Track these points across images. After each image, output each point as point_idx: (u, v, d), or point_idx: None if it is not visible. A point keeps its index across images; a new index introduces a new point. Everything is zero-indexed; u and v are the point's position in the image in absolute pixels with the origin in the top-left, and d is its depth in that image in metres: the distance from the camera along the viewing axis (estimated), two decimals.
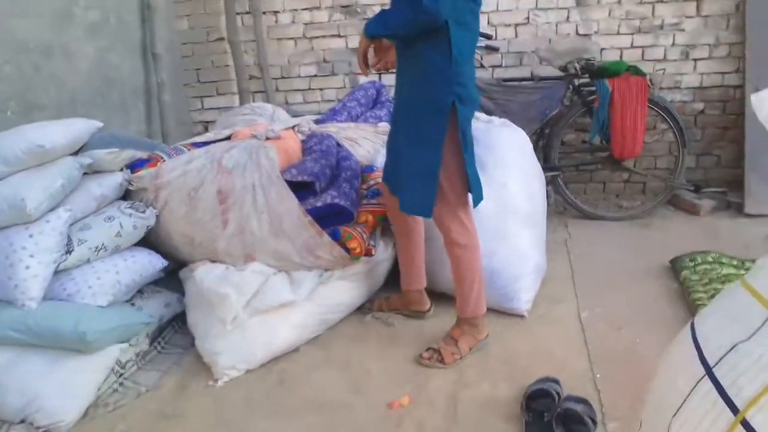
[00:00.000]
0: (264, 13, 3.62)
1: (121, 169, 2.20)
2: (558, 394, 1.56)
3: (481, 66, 3.33)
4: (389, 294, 2.29)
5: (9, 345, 1.76)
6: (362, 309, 2.26)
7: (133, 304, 2.04)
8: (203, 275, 1.96)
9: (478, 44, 3.30)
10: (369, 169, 2.43)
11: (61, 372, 1.73)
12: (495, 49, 3.25)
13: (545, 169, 3.08)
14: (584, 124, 3.31)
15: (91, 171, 2.11)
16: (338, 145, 2.46)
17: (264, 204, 2.04)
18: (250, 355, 1.90)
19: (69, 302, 1.82)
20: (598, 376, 1.73)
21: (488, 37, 3.21)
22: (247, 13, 3.64)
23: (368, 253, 2.12)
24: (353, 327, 2.16)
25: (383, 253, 2.32)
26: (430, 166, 1.71)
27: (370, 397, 1.73)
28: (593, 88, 3.01)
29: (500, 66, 3.47)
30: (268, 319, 1.92)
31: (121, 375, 1.90)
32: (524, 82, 3.22)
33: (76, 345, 1.73)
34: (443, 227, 1.86)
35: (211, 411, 1.73)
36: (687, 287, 2.17)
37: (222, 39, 3.67)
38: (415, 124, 1.73)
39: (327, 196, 2.13)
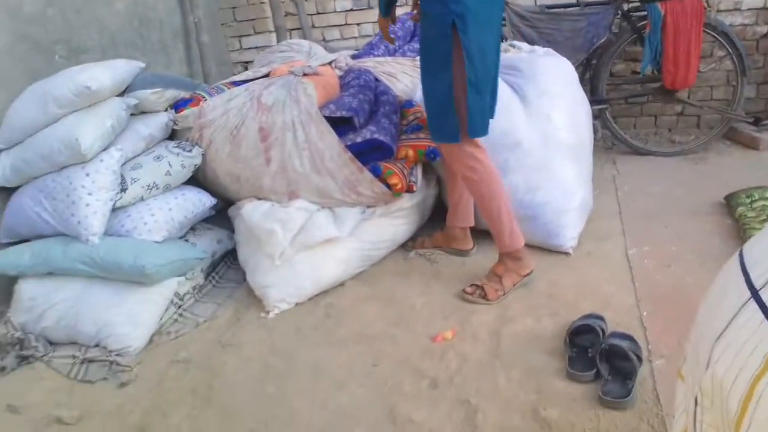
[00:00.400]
0: None
1: (166, 110, 2.24)
2: (603, 330, 1.56)
3: None
4: (432, 231, 2.31)
5: (79, 276, 1.89)
6: (406, 246, 2.29)
7: (186, 240, 2.13)
8: (251, 212, 2.01)
9: None
10: (408, 104, 2.39)
11: (127, 302, 1.85)
12: None
13: (592, 102, 2.96)
14: (634, 53, 3.14)
15: (138, 112, 2.16)
16: (376, 80, 2.42)
17: (304, 140, 2.05)
18: (298, 288, 1.97)
19: (128, 238, 1.91)
20: (644, 313, 1.71)
21: None
22: None
23: (410, 189, 2.12)
24: (397, 263, 2.20)
25: (425, 189, 2.31)
26: (442, 92, 1.69)
27: (415, 330, 1.78)
28: (644, 13, 2.81)
29: None
30: (314, 255, 1.97)
31: (180, 306, 2.01)
32: (569, 9, 3.04)
33: (137, 277, 1.83)
34: (452, 161, 1.87)
35: (265, 341, 1.82)
36: (742, 224, 2.09)
37: None
38: (426, 50, 1.73)
39: (366, 131, 2.11)
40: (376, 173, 2.05)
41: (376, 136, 2.09)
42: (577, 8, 3.02)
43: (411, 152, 2.17)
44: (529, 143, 2.16)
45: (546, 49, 2.47)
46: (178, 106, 2.25)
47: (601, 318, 1.64)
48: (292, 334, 1.84)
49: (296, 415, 1.49)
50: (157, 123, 2.16)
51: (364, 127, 2.15)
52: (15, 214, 1.98)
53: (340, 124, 2.12)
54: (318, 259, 1.98)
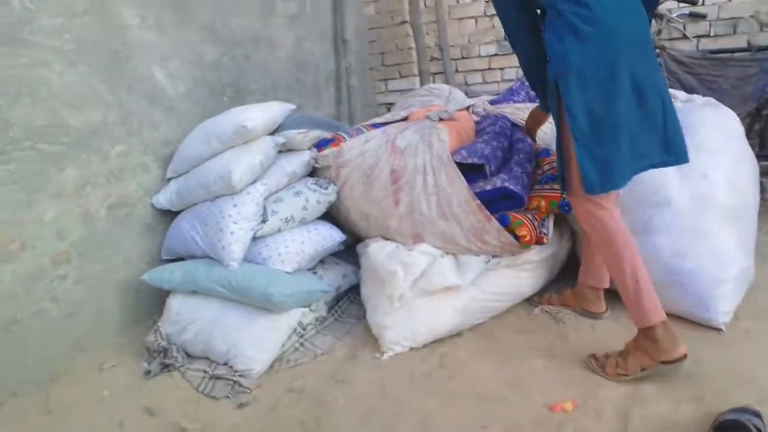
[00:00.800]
0: None
1: (309, 148, 2.40)
2: (758, 430, 1.33)
3: (684, 36, 2.91)
4: (561, 288, 2.17)
5: (217, 297, 2.07)
6: (531, 301, 2.18)
7: (315, 273, 2.24)
8: (376, 251, 2.06)
9: (680, 12, 2.91)
10: (545, 153, 2.31)
11: (256, 326, 1.98)
12: (701, 16, 2.82)
13: (762, 157, 2.61)
14: None
15: (284, 149, 2.34)
16: (513, 125, 2.37)
17: (433, 185, 2.06)
18: (414, 333, 1.96)
19: (262, 266, 2.06)
20: None
21: (692, 2, 2.79)
22: None
23: (539, 242, 2.02)
24: (519, 319, 2.10)
25: (557, 243, 2.19)
26: (558, 145, 1.70)
27: (530, 395, 1.67)
28: None
29: (708, 35, 3.01)
30: (433, 301, 1.95)
31: (302, 336, 2.11)
32: (738, 54, 2.74)
33: (265, 304, 1.96)
34: (576, 214, 1.77)
35: (376, 382, 1.83)
36: None
37: (405, 22, 3.77)
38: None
39: (497, 179, 2.06)
40: (505, 223, 1.99)
41: (506, 184, 2.04)
42: (747, 53, 2.72)
43: (543, 203, 2.08)
44: (679, 203, 1.96)
45: (707, 98, 2.25)
46: (320, 145, 2.41)
47: (758, 414, 1.39)
48: (404, 379, 1.83)
49: None
50: (300, 161, 2.33)
51: (495, 174, 2.11)
52: (175, 235, 2.25)
53: (471, 171, 2.11)
54: (436, 305, 1.96)
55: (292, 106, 2.42)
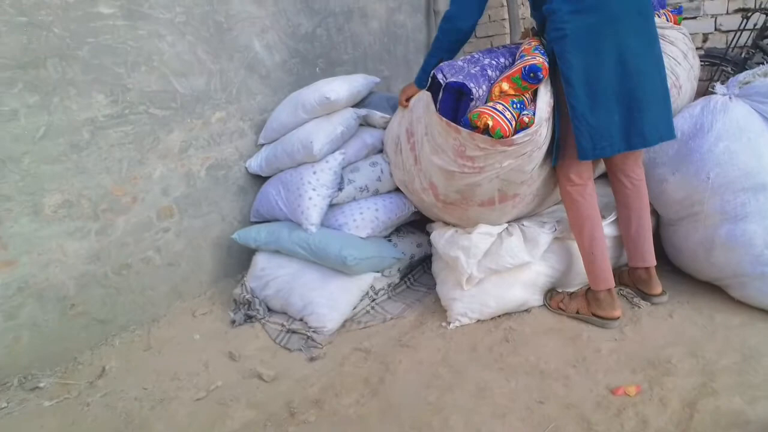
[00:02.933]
0: None
1: None
2: None
3: None
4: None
5: (297, 257, 2.21)
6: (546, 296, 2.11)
7: (390, 240, 2.32)
8: (436, 238, 2.07)
9: None
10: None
11: (330, 287, 2.10)
12: None
13: None
14: None
15: (366, 124, 2.41)
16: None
17: (425, 126, 1.88)
18: (482, 305, 1.98)
19: (338, 231, 2.17)
20: None
21: None
22: None
23: (523, 126, 1.64)
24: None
25: None
26: (557, 116, 1.77)
27: (594, 376, 1.64)
28: None
29: None
30: (502, 276, 1.96)
31: (374, 300, 2.21)
32: None
33: (339, 266, 2.07)
34: (558, 184, 1.89)
35: (440, 350, 1.88)
36: None
37: None
38: None
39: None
40: (467, 124, 1.68)
41: (451, 80, 1.71)
42: None
43: (506, 85, 1.69)
44: None
45: None
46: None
47: None
48: (466, 350, 1.87)
49: (449, 430, 1.52)
50: (381, 136, 2.39)
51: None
52: (262, 198, 2.42)
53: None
54: (505, 280, 1.96)
55: (377, 80, 2.48)
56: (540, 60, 1.67)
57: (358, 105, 2.43)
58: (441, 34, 1.95)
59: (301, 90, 2.43)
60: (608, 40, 1.65)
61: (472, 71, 1.77)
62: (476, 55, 1.90)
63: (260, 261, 2.28)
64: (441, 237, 2.06)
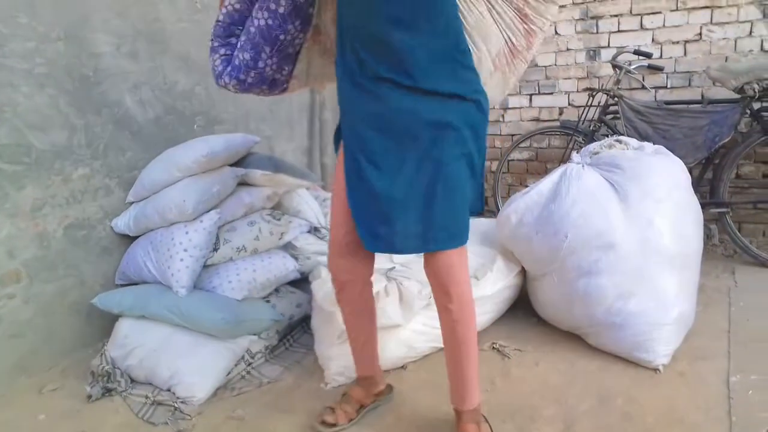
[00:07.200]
0: None
1: None
2: None
3: (643, 87, 3.06)
4: (514, 325, 2.19)
5: (165, 323, 2.06)
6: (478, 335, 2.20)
7: (268, 301, 2.25)
8: (317, 288, 2.06)
9: (639, 64, 3.06)
10: None
11: (201, 353, 1.97)
12: (658, 69, 2.97)
13: (712, 204, 2.72)
14: (766, 154, 2.84)
15: (245, 183, 2.38)
16: None
17: None
18: None
19: (212, 293, 2.08)
20: None
21: (648, 55, 2.95)
22: None
23: None
24: None
25: (504, 279, 2.23)
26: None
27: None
28: None
29: (665, 87, 3.15)
30: (379, 334, 1.96)
31: (249, 364, 2.10)
32: (691, 105, 2.88)
33: (212, 331, 1.96)
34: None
35: (316, 412, 1.81)
36: None
37: None
38: None
39: None
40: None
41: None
42: (699, 105, 2.85)
43: None
44: (624, 247, 2.01)
45: (657, 147, 2.34)
46: None
47: None
48: None
49: None
50: (260, 195, 2.36)
51: None
52: (129, 260, 2.26)
53: None
54: (382, 337, 1.96)
55: (257, 139, 2.48)
56: None
57: (237, 164, 2.40)
58: None
59: (176, 147, 2.36)
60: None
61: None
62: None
63: (123, 327, 2.10)
64: (321, 288, 2.05)
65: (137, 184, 2.38)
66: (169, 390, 1.95)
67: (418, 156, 1.36)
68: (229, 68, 1.62)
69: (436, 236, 1.37)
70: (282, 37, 1.53)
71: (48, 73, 2.17)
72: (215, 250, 2.11)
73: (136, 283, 2.26)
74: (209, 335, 2.00)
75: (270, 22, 1.51)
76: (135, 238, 2.36)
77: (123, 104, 2.48)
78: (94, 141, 2.34)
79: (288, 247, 2.41)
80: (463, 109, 1.38)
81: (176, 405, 1.86)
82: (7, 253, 2.04)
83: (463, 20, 1.46)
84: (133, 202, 2.41)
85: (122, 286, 2.30)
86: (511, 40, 1.54)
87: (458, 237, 1.40)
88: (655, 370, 1.89)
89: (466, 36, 1.47)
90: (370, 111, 1.39)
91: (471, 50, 1.47)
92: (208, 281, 2.11)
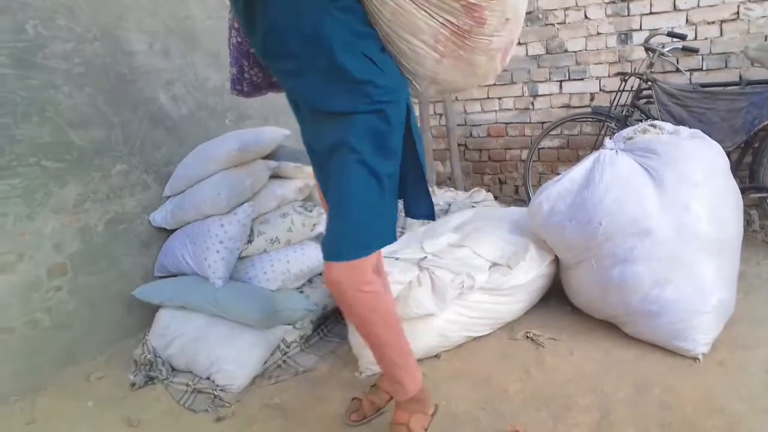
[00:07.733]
0: None
1: None
2: None
3: (677, 70, 2.97)
4: (547, 314, 2.18)
5: (203, 313, 2.12)
6: (511, 324, 2.20)
7: (301, 292, 2.29)
8: None
9: (672, 46, 2.98)
10: None
11: (238, 343, 2.02)
12: (693, 51, 2.88)
13: (751, 189, 2.65)
14: None
15: (278, 175, 2.42)
16: None
17: None
18: None
19: (248, 284, 2.12)
20: None
21: (682, 37, 2.86)
22: None
23: None
24: (501, 342, 2.11)
25: (537, 268, 2.21)
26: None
27: (502, 417, 1.68)
28: None
29: (700, 69, 3.06)
30: (412, 323, 1.98)
31: (285, 353, 2.14)
32: (728, 88, 2.79)
33: (248, 321, 2.01)
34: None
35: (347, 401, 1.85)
36: None
37: None
38: None
39: None
40: None
41: None
42: (737, 87, 2.76)
43: None
44: (661, 234, 1.97)
45: (693, 130, 2.28)
46: None
47: None
48: None
49: None
50: (291, 187, 2.40)
51: None
52: (167, 252, 2.33)
53: None
54: (415, 327, 1.98)
55: (287, 132, 2.51)
56: None
57: (268, 157, 2.44)
58: None
59: (209, 142, 2.40)
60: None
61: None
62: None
63: (164, 318, 2.17)
64: None
65: (173, 179, 2.44)
66: (208, 378, 2.01)
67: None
68: (231, 81, 1.72)
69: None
70: (252, 50, 1.57)
71: (86, 73, 2.23)
72: (249, 242, 2.15)
73: (174, 275, 2.32)
74: (245, 325, 2.05)
75: (239, 39, 1.59)
76: (172, 231, 2.42)
77: (157, 101, 2.54)
78: (131, 137, 2.41)
79: (320, 238, 2.44)
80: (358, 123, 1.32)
81: (216, 392, 1.92)
82: (54, 247, 2.12)
83: (378, 16, 1.32)
84: (169, 197, 2.47)
85: (161, 278, 2.37)
86: (450, 21, 1.32)
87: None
88: (695, 359, 1.85)
89: (388, 33, 1.35)
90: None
91: (401, 48, 1.37)
92: (244, 272, 2.15)
